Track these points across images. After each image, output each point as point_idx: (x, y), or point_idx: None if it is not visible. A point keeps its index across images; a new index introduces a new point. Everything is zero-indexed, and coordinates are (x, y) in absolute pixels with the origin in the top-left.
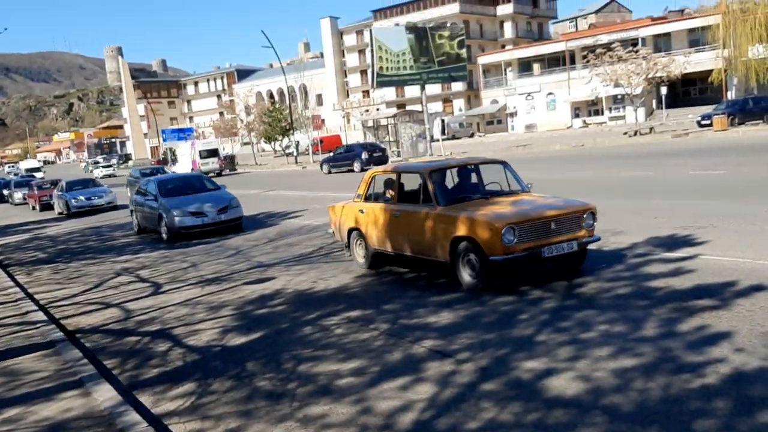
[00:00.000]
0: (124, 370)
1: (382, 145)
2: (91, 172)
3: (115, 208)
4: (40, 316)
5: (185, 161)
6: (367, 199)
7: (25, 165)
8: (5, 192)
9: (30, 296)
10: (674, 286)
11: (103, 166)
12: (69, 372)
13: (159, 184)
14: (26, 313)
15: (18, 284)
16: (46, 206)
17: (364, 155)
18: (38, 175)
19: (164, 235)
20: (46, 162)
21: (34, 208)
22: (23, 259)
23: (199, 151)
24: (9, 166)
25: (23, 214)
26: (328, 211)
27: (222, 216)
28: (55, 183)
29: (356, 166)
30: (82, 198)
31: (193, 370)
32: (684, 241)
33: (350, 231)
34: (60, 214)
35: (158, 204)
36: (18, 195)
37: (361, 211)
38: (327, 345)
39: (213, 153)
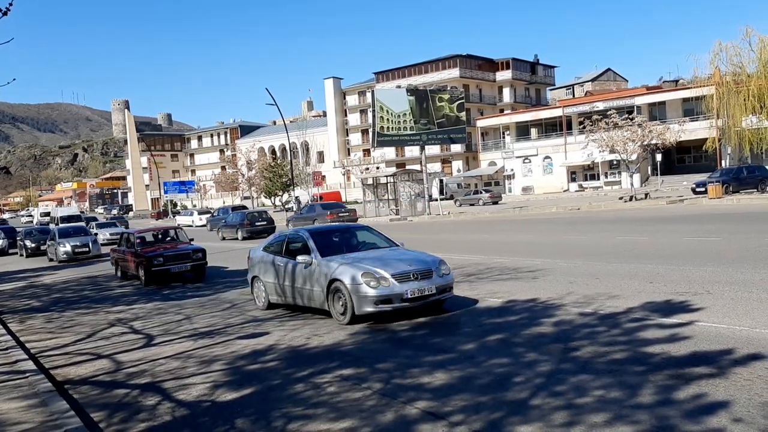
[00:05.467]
0: (110, 424)
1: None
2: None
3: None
4: (30, 365)
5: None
6: None
7: (62, 212)
8: (28, 243)
9: (21, 345)
10: (670, 352)
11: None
12: (55, 424)
13: None
14: (16, 362)
15: (10, 332)
16: (162, 277)
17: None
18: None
19: None
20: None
21: (125, 274)
22: (17, 307)
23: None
24: (25, 211)
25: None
26: None
27: None
28: (167, 235)
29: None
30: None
31: (181, 425)
32: (680, 307)
33: None
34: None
35: None
36: (64, 249)
37: None
38: (318, 403)
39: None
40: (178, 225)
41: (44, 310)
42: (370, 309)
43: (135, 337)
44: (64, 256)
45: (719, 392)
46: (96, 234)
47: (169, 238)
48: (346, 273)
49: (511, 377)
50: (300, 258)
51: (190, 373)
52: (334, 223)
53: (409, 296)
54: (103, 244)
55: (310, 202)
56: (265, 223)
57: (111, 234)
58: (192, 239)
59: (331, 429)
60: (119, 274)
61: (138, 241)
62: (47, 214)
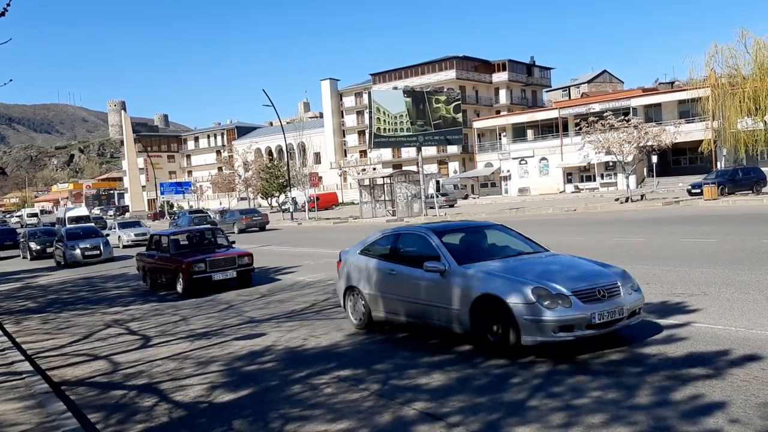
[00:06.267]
0: (108, 425)
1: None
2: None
3: None
4: (27, 366)
5: None
6: None
7: (74, 213)
8: (33, 245)
9: (17, 346)
10: (667, 353)
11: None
12: (52, 425)
13: None
14: (12, 363)
15: (6, 333)
16: (203, 286)
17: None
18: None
19: None
20: (43, 211)
21: (154, 283)
22: (13, 308)
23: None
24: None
25: None
26: None
27: None
28: (204, 237)
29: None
30: None
31: (178, 426)
32: (676, 308)
33: None
34: None
35: None
36: (73, 252)
37: None
38: (316, 404)
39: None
40: (218, 226)
41: (40, 311)
42: (543, 338)
43: (132, 338)
44: (73, 259)
45: (716, 393)
46: (108, 235)
47: (206, 241)
48: (507, 287)
49: (509, 378)
50: (429, 265)
51: (187, 374)
52: (457, 220)
53: (597, 321)
54: (126, 246)
55: (306, 204)
56: (209, 225)
57: (136, 235)
58: (233, 242)
59: (328, 430)
60: (147, 283)
61: (172, 244)
62: (35, 215)
